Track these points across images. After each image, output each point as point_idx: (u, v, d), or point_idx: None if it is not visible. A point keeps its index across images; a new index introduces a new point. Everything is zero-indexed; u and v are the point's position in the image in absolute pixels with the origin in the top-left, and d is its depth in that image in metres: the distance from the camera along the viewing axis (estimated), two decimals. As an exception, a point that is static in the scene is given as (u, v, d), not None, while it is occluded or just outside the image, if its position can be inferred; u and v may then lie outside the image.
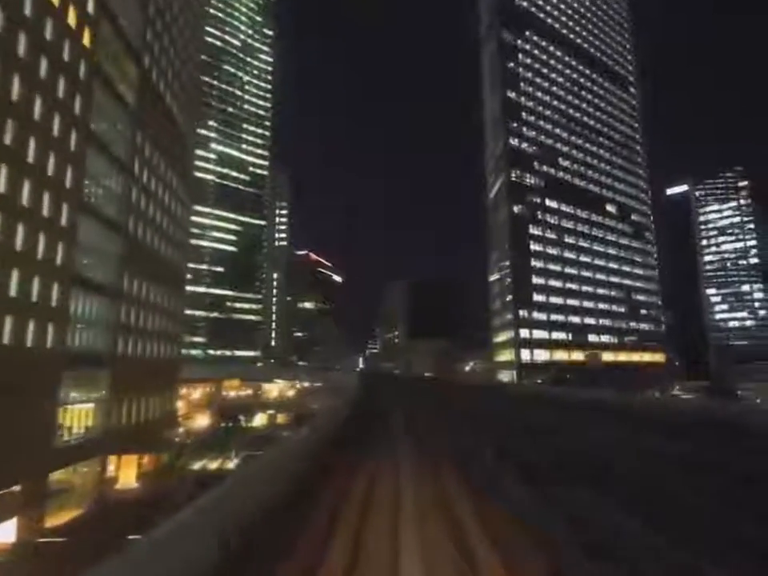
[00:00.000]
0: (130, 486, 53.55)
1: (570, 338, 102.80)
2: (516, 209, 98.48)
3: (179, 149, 78.67)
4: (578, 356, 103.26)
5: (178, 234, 78.30)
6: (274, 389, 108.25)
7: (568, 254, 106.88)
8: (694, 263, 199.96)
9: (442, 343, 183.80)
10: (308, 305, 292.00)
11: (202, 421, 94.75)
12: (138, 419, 61.92)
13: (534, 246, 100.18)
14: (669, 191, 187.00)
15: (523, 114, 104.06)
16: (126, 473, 55.47)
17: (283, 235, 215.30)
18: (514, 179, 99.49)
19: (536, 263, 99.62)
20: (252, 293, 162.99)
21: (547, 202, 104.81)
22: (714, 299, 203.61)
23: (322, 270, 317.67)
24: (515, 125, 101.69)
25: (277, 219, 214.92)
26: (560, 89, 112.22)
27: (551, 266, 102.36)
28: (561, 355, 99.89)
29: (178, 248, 78.37)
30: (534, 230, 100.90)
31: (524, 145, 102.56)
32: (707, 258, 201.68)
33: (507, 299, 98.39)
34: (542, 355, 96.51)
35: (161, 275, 69.91)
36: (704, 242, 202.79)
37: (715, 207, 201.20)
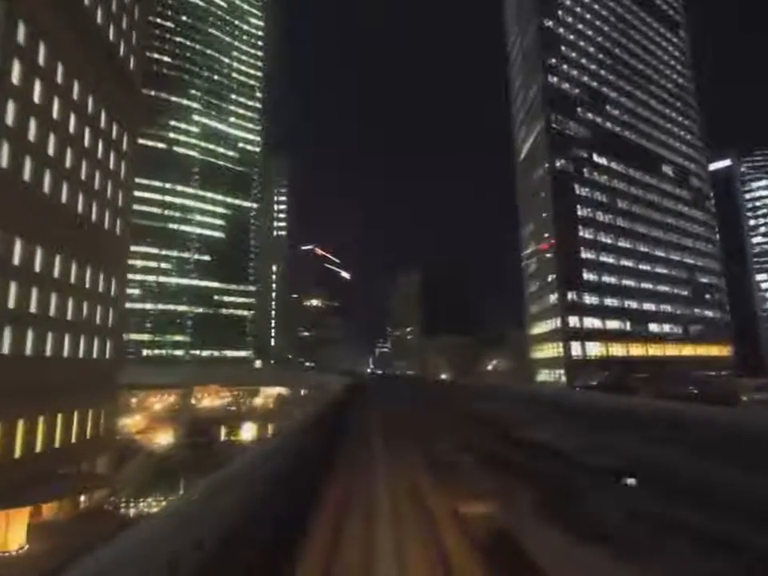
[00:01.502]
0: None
1: (629, 327, 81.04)
2: (558, 164, 76.95)
3: (113, 82, 58.04)
4: (637, 350, 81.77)
5: (114, 195, 57.89)
6: (262, 395, 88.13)
7: (621, 223, 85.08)
8: (743, 244, 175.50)
9: (460, 340, 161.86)
10: (314, 302, 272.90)
11: (164, 438, 74.43)
12: (44, 446, 42.24)
13: (582, 211, 78.55)
14: (712, 166, 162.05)
15: (562, 48, 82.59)
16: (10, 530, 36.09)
17: (282, 224, 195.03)
18: (554, 127, 77.93)
19: (585, 233, 77.91)
20: (243, 285, 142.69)
21: (595, 157, 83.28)
22: (764, 285, 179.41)
23: (329, 266, 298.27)
24: (553, 60, 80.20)
25: (276, 207, 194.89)
26: (604, 23, 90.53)
27: (602, 237, 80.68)
28: (617, 350, 78.37)
29: (115, 213, 57.98)
30: (580, 191, 79.34)
31: (565, 85, 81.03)
32: (755, 240, 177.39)
33: (548, 279, 77.03)
34: (594, 349, 74.94)
35: (82, 245, 49.49)
36: (751, 222, 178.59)
37: (764, 183, 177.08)
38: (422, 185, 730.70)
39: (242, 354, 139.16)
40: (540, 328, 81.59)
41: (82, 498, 47.69)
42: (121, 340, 61.63)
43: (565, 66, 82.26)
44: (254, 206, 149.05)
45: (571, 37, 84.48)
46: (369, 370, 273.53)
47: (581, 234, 77.37)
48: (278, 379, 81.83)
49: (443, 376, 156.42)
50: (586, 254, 76.99)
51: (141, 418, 75.74)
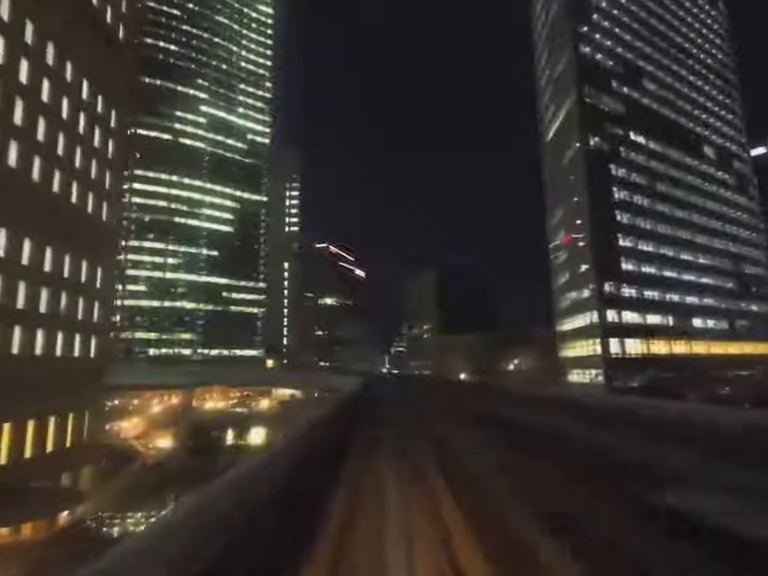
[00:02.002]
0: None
1: (671, 322, 72.78)
2: (592, 142, 69.19)
3: (106, 63, 52.61)
4: (680, 347, 73.58)
5: (100, 177, 52.31)
6: (270, 397, 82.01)
7: (661, 207, 76.91)
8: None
9: (480, 338, 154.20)
10: (329, 301, 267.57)
11: (163, 443, 68.68)
12: (11, 458, 37.16)
13: (619, 194, 70.69)
14: (753, 151, 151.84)
15: (594, 16, 74.79)
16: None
17: (294, 220, 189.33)
18: (587, 101, 70.14)
19: (622, 218, 70.01)
20: (253, 281, 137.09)
21: (631, 135, 75.23)
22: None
23: (344, 265, 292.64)
24: (585, 29, 72.52)
25: (287, 202, 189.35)
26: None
27: (641, 223, 72.57)
28: (659, 347, 70.24)
29: (101, 198, 52.35)
30: (616, 172, 71.49)
31: (598, 56, 73.20)
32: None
33: (581, 270, 69.38)
34: (634, 346, 67.03)
35: (59, 230, 44.05)
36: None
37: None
38: (437, 182, 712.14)
39: (252, 353, 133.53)
40: (571, 324, 74.08)
41: (64, 513, 42.05)
42: (108, 337, 55.93)
43: (597, 36, 74.51)
44: (264, 199, 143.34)
45: (604, 4, 76.65)
46: (384, 370, 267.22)
47: (618, 218, 69.64)
48: (284, 380, 75.64)
49: (462, 376, 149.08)
50: (623, 242, 69.15)
51: (139, 422, 70.18)
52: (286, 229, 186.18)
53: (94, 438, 52.16)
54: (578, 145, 71.17)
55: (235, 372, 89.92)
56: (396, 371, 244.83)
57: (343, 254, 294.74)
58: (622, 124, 73.89)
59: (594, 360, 65.68)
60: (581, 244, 71.09)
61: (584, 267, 69.17)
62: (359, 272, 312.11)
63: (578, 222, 72.40)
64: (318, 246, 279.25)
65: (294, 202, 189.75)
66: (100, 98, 52.37)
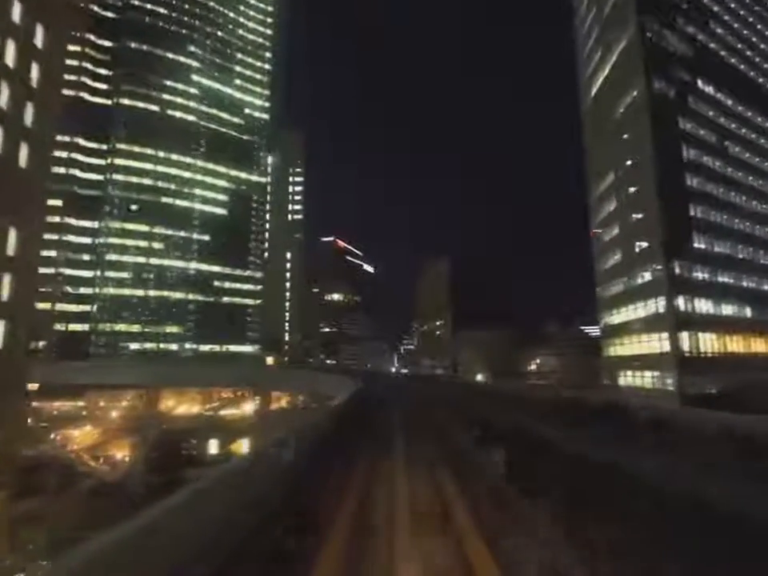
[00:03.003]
0: None
1: (749, 313, 58.18)
2: (657, 84, 54.69)
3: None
4: (761, 345, 59.09)
5: (17, 111, 39.12)
6: (258, 402, 68.60)
7: (733, 173, 62.21)
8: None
9: (498, 335, 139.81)
10: (336, 297, 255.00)
11: (121, 455, 55.54)
12: None
13: (688, 153, 56.16)
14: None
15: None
16: None
17: (298, 207, 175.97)
18: (649, 37, 55.81)
19: (692, 182, 55.46)
20: (250, 270, 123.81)
21: (699, 83, 60.72)
22: None
23: (352, 260, 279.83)
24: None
25: (291, 188, 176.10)
26: None
27: (713, 190, 57.98)
28: (736, 344, 55.79)
29: (16, 134, 39.19)
30: (685, 125, 56.82)
31: (660, -15, 59.36)
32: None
33: (640, 247, 54.78)
34: (709, 343, 52.61)
35: None
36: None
37: None
38: (449, 170, 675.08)
39: (247, 349, 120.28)
40: (623, 314, 59.80)
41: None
42: (27, 323, 42.64)
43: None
44: (263, 180, 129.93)
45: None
46: (393, 369, 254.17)
47: (688, 181, 55.20)
48: (276, 382, 62.19)
49: (479, 377, 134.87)
50: (696, 211, 54.71)
51: (93, 430, 57.27)
52: (289, 217, 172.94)
53: (11, 453, 38.94)
54: (635, 93, 56.86)
55: (216, 371, 76.62)
56: (405, 370, 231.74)
57: (351, 248, 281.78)
58: (689, 69, 59.49)
59: (656, 359, 51.64)
60: (638, 216, 56.88)
61: (643, 245, 54.94)
62: (368, 267, 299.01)
63: (632, 189, 58.35)
64: (325, 240, 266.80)
65: (298, 188, 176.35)
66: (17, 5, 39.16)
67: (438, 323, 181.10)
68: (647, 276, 54.58)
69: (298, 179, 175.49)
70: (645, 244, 55.37)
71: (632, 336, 58.39)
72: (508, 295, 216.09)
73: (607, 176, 65.79)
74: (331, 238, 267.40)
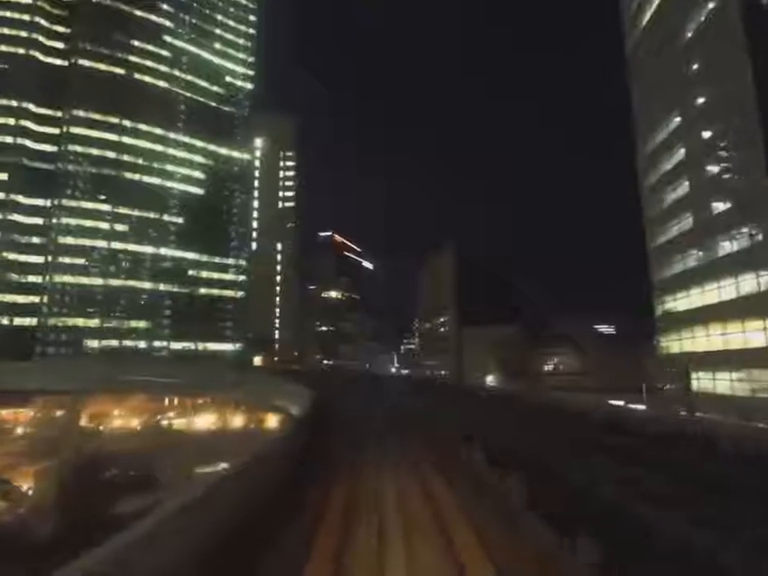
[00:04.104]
0: None
1: None
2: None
3: None
4: None
5: None
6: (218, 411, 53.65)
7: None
8: None
9: (509, 331, 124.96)
10: (333, 294, 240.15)
11: (25, 486, 40.71)
12: None
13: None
14: None
15: None
16: None
17: (289, 194, 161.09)
18: None
19: (794, 117, 41.75)
20: (232, 258, 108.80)
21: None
22: None
23: (350, 255, 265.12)
24: None
25: (281, 174, 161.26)
26: None
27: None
28: None
29: None
30: (783, 43, 43.08)
31: None
32: None
33: (715, 211, 40.14)
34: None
35: None
36: None
37: None
38: (450, 165, 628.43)
39: (227, 347, 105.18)
40: (695, 298, 45.12)
41: None
42: None
43: None
44: (246, 157, 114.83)
45: None
46: (393, 370, 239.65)
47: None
48: (233, 387, 47.44)
49: (489, 379, 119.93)
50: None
51: (-9, 452, 42.46)
52: (280, 204, 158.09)
53: None
54: (712, 4, 42.42)
55: (178, 372, 61.42)
56: (407, 371, 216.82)
57: (350, 243, 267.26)
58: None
59: (754, 355, 37.18)
60: (711, 169, 42.12)
61: (720, 207, 40.17)
62: (367, 264, 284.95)
63: (707, 134, 43.81)
64: (322, 234, 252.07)
65: (290, 173, 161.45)
66: None
67: (441, 320, 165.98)
68: (734, 245, 39.88)
69: (289, 163, 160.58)
70: (720, 207, 40.62)
71: (707, 325, 43.70)
72: (514, 291, 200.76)
73: (665, 124, 51.05)
74: (329, 233, 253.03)
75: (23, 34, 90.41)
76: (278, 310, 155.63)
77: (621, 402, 48.69)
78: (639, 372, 62.84)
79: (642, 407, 44.53)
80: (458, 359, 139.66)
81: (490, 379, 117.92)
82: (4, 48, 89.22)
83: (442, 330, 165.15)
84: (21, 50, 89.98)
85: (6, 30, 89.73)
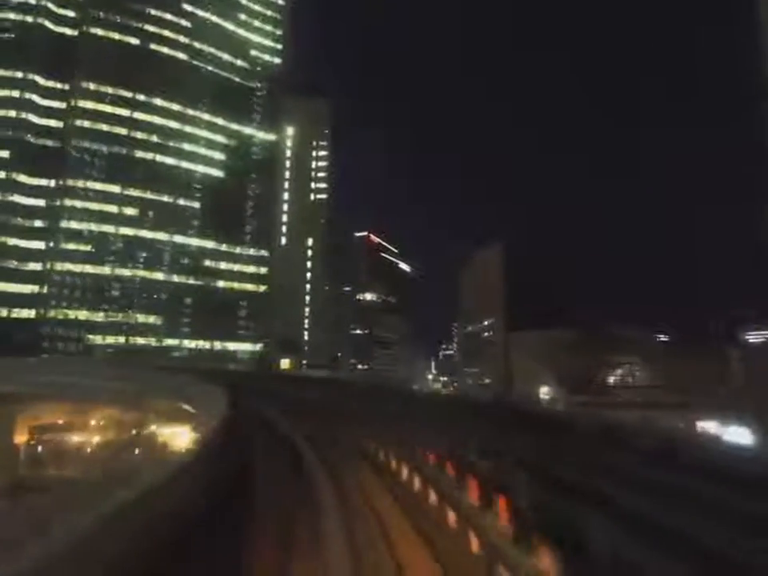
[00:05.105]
0: None
1: None
2: None
3: None
4: None
5: None
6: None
7: None
8: None
9: (566, 336, 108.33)
10: (368, 297, 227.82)
11: None
12: None
13: None
14: None
15: None
16: None
17: (322, 186, 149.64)
18: None
19: None
20: (253, 248, 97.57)
21: None
22: None
23: (386, 256, 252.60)
24: None
25: (313, 164, 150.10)
26: None
27: None
28: None
29: None
30: None
31: None
32: None
33: None
34: None
35: None
36: None
37: None
38: (497, 145, 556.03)
39: (246, 346, 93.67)
40: None
41: None
42: None
43: None
44: (271, 137, 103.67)
45: None
46: (430, 376, 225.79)
47: None
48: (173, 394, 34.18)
49: (544, 391, 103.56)
50: None
51: None
52: (312, 197, 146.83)
53: None
54: None
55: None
56: (444, 379, 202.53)
57: (386, 244, 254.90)
58: None
59: None
60: None
61: None
62: (404, 266, 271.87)
63: None
64: (357, 235, 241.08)
65: (322, 164, 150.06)
66: None
67: (485, 323, 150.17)
68: None
69: (322, 153, 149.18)
70: None
71: None
72: (566, 292, 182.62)
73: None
74: (364, 233, 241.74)
75: (32, 0, 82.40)
76: (307, 309, 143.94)
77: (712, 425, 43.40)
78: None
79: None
80: (507, 367, 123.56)
81: (544, 391, 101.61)
82: (12, 16, 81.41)
83: (486, 334, 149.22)
84: (29, 18, 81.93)
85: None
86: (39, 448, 33.45)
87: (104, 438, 35.68)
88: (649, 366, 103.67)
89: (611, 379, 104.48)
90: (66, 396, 35.95)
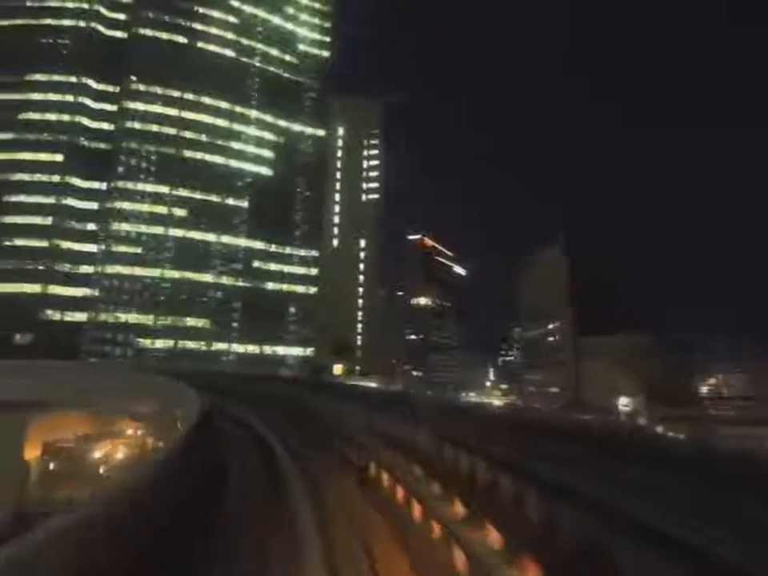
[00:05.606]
0: None
1: None
2: None
3: None
4: None
5: None
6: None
7: None
8: None
9: (646, 341, 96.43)
10: (423, 301, 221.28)
11: None
12: None
13: None
14: None
15: None
16: None
17: (374, 185, 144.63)
18: None
19: None
20: (304, 248, 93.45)
21: None
22: None
23: (440, 259, 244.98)
24: None
25: (364, 164, 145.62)
26: None
27: None
28: None
29: None
30: None
31: None
32: None
33: None
34: None
35: None
36: None
37: None
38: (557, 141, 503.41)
39: (296, 350, 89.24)
40: None
41: None
42: None
43: None
44: (320, 133, 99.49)
45: None
46: (488, 383, 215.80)
47: None
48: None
49: (623, 402, 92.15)
50: None
51: None
52: (363, 197, 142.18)
53: None
54: None
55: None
56: (506, 386, 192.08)
57: (440, 247, 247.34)
58: None
59: None
60: None
61: None
62: (459, 269, 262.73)
63: None
64: (411, 237, 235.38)
65: (374, 163, 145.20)
66: None
67: (549, 327, 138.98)
68: None
69: (373, 152, 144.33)
70: None
71: None
72: (641, 293, 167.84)
73: None
74: (418, 236, 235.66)
75: (84, 5, 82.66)
76: (360, 313, 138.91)
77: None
78: None
79: None
80: (576, 375, 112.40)
81: (623, 402, 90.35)
82: (66, 22, 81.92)
83: (551, 339, 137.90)
84: (82, 23, 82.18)
85: (69, 4, 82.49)
86: (51, 465, 29.50)
87: (129, 455, 31.34)
88: (738, 375, 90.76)
89: (703, 389, 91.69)
90: (88, 405, 31.94)
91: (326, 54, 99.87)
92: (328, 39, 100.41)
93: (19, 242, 73.59)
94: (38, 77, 78.51)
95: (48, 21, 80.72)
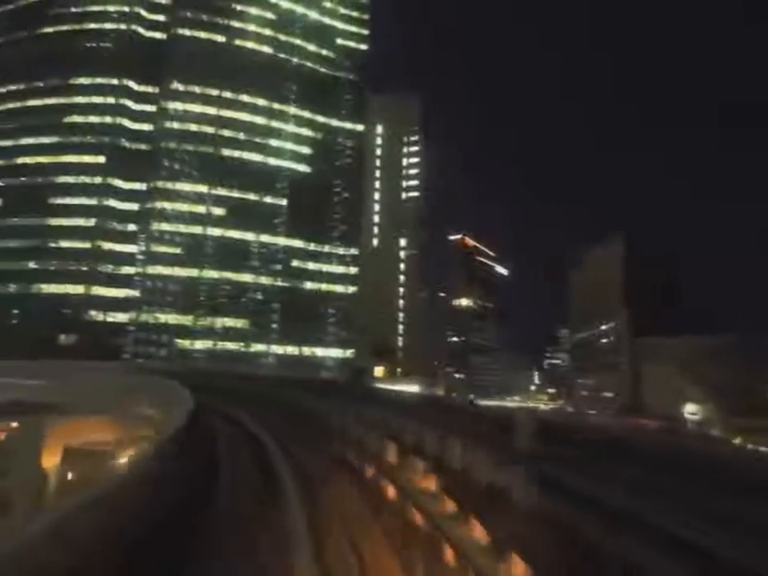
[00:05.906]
0: None
1: None
2: None
3: None
4: None
5: None
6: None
7: None
8: None
9: (716, 343, 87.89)
10: (464, 302, 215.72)
11: None
12: None
13: None
14: None
15: None
16: None
17: (414, 183, 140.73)
18: None
19: None
20: (342, 246, 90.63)
21: None
22: None
23: (482, 259, 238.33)
24: None
25: (405, 161, 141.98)
26: None
27: None
28: None
29: None
30: None
31: None
32: None
33: None
34: None
35: None
36: None
37: None
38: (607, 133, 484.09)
39: (335, 352, 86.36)
40: None
41: None
42: None
43: None
44: (359, 128, 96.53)
45: None
46: (533, 387, 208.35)
47: None
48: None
49: (689, 410, 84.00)
50: None
51: None
52: (403, 195, 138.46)
53: None
54: None
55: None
56: (553, 390, 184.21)
57: (482, 247, 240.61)
58: None
59: None
60: None
61: None
62: (501, 269, 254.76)
63: None
64: (451, 238, 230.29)
65: (414, 160, 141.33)
66: None
67: (602, 327, 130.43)
68: None
69: (413, 149, 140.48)
70: None
71: None
72: (705, 293, 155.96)
73: None
74: (459, 236, 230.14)
75: (125, 8, 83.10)
76: (401, 314, 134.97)
77: None
78: None
79: None
80: (635, 380, 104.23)
81: (691, 410, 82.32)
82: (108, 25, 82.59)
83: (605, 340, 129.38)
84: (123, 26, 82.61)
85: (110, 8, 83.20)
86: (69, 475, 27.28)
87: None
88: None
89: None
90: (112, 408, 29.69)
91: (363, 46, 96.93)
92: (366, 32, 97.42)
93: (64, 244, 74.16)
94: (82, 80, 79.33)
95: (91, 25, 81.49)
